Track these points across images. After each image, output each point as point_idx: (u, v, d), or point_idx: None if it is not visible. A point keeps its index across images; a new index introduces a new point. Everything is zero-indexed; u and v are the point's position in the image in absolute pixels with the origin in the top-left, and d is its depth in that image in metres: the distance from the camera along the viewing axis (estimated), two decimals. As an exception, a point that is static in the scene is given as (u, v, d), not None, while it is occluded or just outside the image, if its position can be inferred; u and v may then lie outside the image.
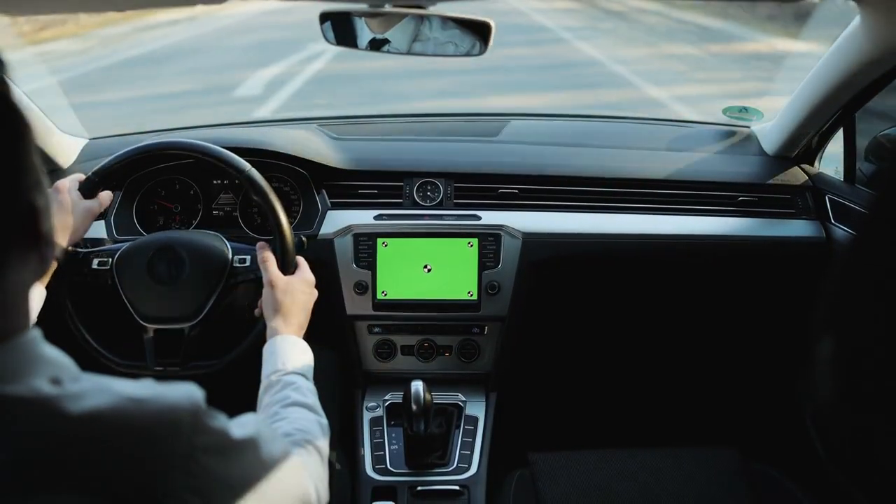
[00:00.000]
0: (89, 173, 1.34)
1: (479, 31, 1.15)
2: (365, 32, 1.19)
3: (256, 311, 1.28)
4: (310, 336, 1.21)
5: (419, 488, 1.46)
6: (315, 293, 1.28)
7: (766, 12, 9.49)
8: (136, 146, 1.36)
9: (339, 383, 1.66)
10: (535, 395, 1.94)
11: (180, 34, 10.37)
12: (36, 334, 0.62)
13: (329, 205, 1.65)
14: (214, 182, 1.69)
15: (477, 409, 1.63)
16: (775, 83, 6.74)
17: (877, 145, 1.58)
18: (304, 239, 1.36)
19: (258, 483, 0.71)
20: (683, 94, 6.51)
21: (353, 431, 1.60)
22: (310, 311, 1.25)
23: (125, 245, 1.36)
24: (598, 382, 2.00)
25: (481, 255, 1.60)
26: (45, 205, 0.62)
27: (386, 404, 1.63)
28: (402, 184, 1.68)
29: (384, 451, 1.53)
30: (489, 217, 1.63)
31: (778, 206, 1.67)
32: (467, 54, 1.17)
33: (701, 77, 7.40)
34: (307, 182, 1.66)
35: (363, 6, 1.13)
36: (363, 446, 1.55)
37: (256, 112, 6.05)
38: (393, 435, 1.56)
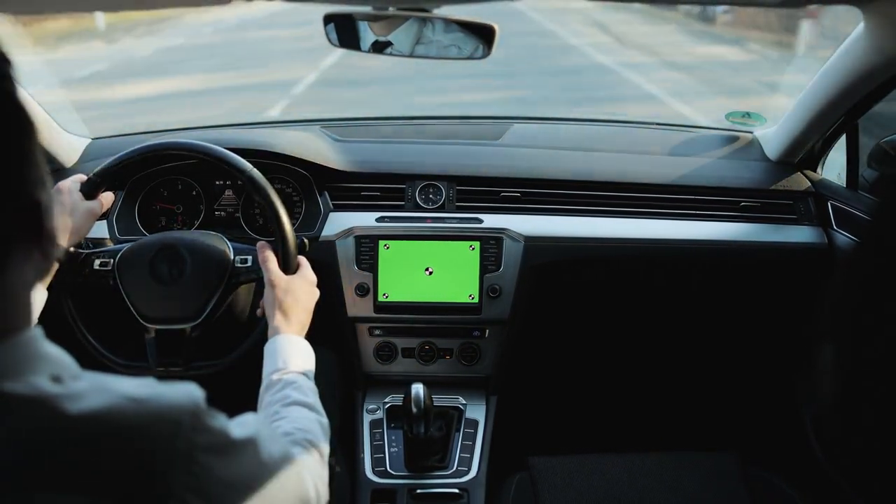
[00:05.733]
0: (91, 174, 1.33)
1: (482, 35, 1.14)
2: (368, 35, 1.20)
3: (258, 311, 1.28)
4: (311, 338, 1.21)
5: (418, 491, 1.46)
6: (317, 293, 1.28)
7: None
8: (138, 147, 1.35)
9: (340, 385, 1.66)
10: (536, 398, 1.94)
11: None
12: (37, 332, 0.62)
13: (331, 206, 1.65)
14: (216, 183, 1.69)
15: (477, 412, 1.63)
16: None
17: (880, 152, 1.58)
18: (305, 241, 1.36)
19: (258, 483, 0.71)
20: None
21: (353, 433, 1.60)
22: (311, 310, 1.25)
23: (127, 245, 1.36)
24: (599, 386, 2.00)
25: (483, 259, 1.60)
26: (49, 201, 0.62)
27: (386, 406, 1.63)
28: (404, 186, 1.68)
29: (384, 453, 1.53)
30: (491, 220, 1.63)
31: (780, 212, 1.67)
32: (470, 57, 1.17)
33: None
34: (309, 184, 1.66)
35: (367, 8, 1.13)
36: (363, 448, 1.55)
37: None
38: (393, 437, 1.56)
